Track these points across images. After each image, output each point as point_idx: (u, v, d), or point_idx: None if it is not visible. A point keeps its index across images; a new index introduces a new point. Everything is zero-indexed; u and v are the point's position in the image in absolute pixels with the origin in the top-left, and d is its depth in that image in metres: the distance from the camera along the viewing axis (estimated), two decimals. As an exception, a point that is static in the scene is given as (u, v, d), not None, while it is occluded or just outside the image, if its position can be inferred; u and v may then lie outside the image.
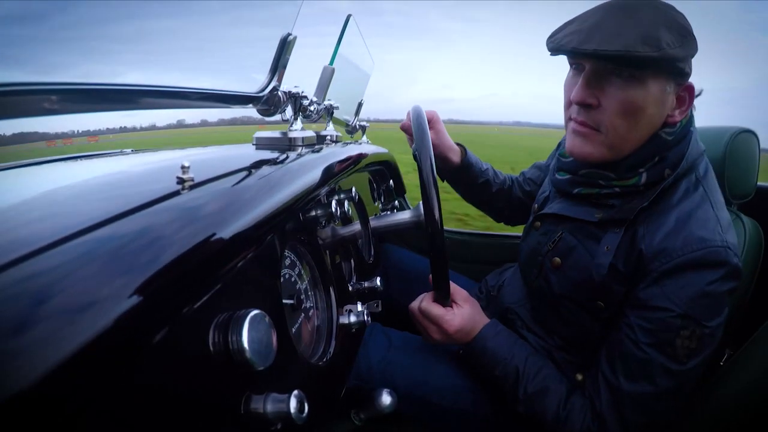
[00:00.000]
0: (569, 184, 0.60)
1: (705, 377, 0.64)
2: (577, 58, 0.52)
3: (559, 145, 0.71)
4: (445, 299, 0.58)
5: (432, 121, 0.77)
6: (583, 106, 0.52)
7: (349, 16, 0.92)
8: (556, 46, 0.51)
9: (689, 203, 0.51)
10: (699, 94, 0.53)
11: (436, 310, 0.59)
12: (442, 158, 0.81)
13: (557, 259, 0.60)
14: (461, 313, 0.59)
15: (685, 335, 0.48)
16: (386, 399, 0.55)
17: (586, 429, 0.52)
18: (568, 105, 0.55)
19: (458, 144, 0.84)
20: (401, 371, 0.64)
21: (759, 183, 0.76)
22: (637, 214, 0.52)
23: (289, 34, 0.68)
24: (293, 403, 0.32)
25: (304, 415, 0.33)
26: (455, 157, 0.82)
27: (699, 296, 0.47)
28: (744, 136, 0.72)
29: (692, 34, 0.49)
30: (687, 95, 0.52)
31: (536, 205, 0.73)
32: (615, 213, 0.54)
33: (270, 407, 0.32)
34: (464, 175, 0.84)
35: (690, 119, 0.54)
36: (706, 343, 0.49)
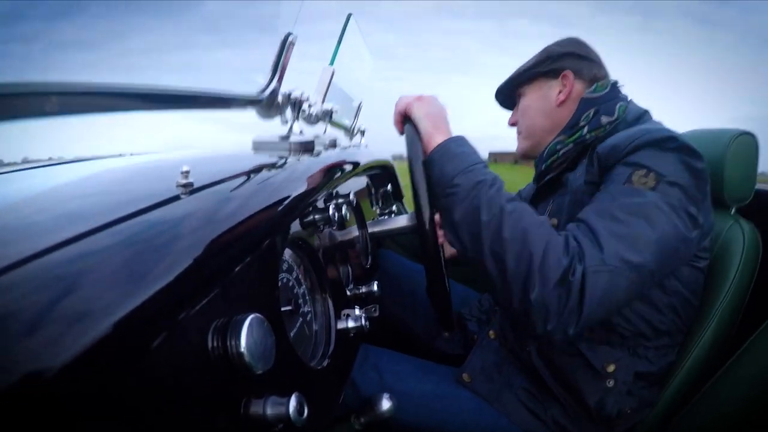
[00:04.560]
0: (540, 164, 0.73)
1: (705, 378, 0.65)
2: (499, 99, 0.83)
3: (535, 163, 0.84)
4: (448, 325, 0.57)
5: None
6: (513, 125, 0.80)
7: (349, 16, 0.91)
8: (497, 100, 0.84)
9: (626, 133, 0.59)
10: (614, 83, 0.69)
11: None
12: None
13: (554, 220, 0.65)
14: None
15: (640, 174, 0.51)
16: (386, 404, 0.55)
17: (563, 236, 0.49)
18: None
19: None
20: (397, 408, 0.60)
21: (757, 186, 0.76)
22: (593, 143, 0.63)
23: (290, 35, 0.68)
24: (293, 406, 0.32)
25: (304, 417, 0.33)
26: None
27: (650, 155, 0.52)
28: (744, 139, 0.71)
29: (545, 49, 0.73)
30: (567, 80, 0.70)
31: None
32: (577, 153, 0.66)
33: (270, 410, 0.32)
34: None
35: (614, 88, 0.68)
36: (667, 190, 0.50)
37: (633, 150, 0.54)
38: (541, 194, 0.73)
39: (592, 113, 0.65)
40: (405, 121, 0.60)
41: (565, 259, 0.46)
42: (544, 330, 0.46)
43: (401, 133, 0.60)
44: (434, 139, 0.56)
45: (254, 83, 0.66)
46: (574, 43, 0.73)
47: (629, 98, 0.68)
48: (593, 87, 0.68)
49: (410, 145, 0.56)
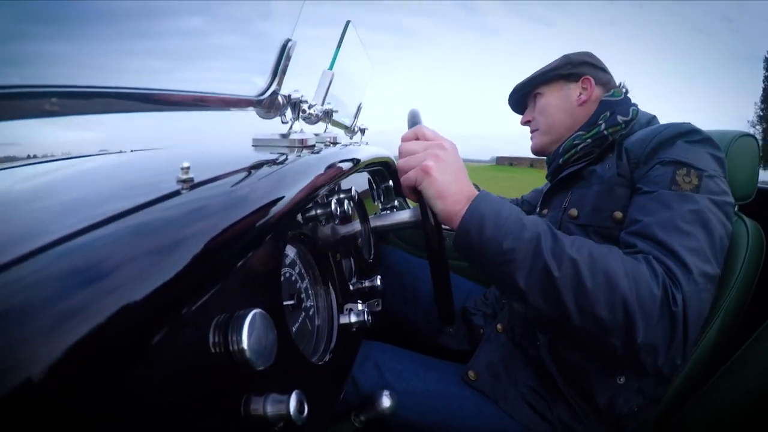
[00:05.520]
0: (556, 159, 0.76)
1: (708, 374, 0.64)
2: (512, 106, 0.90)
3: (547, 159, 0.87)
4: (448, 319, 0.56)
5: None
6: (526, 123, 0.86)
7: (348, 22, 0.93)
8: (509, 104, 0.90)
9: (650, 128, 0.64)
10: (622, 85, 0.78)
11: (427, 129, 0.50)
12: None
13: (574, 210, 0.67)
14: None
15: (682, 173, 0.52)
16: (386, 401, 0.54)
17: (644, 260, 0.46)
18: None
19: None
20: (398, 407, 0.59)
21: (760, 185, 0.76)
22: (619, 141, 0.67)
23: (289, 40, 0.68)
24: (293, 404, 0.32)
25: (304, 415, 0.33)
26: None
27: (683, 150, 0.55)
28: (744, 140, 0.72)
29: (565, 56, 0.80)
30: (588, 84, 0.77)
31: (539, 206, 0.78)
32: (601, 148, 0.69)
33: (270, 408, 0.32)
34: None
35: (627, 96, 0.74)
36: (711, 186, 0.52)
37: (662, 143, 0.57)
38: (558, 187, 0.75)
39: (609, 114, 0.71)
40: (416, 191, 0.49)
41: (657, 288, 0.43)
42: (654, 367, 0.43)
43: (415, 201, 0.51)
44: (456, 214, 0.47)
45: (253, 86, 0.67)
46: (589, 54, 0.81)
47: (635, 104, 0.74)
48: (611, 92, 0.75)
49: None
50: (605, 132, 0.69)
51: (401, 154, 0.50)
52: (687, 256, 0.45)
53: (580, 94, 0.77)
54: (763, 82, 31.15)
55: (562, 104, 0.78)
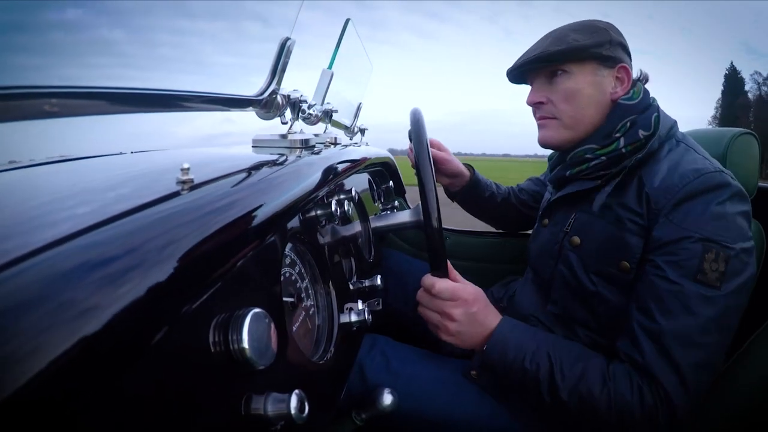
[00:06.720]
0: (563, 170, 0.66)
1: None
2: (514, 73, 0.67)
3: (550, 158, 0.79)
4: (444, 273, 0.56)
5: (440, 149, 0.89)
6: (536, 104, 0.65)
7: (347, 21, 0.93)
8: (508, 72, 0.68)
9: (675, 155, 0.57)
10: (645, 79, 0.64)
11: (446, 282, 0.54)
12: (456, 179, 0.92)
13: (576, 238, 0.62)
14: (470, 286, 0.57)
15: (710, 258, 0.49)
16: (387, 398, 0.54)
17: (637, 391, 0.48)
18: (533, 112, 0.68)
19: (466, 165, 0.94)
20: (401, 393, 0.60)
21: (760, 184, 0.76)
22: (633, 166, 0.58)
23: (288, 38, 0.68)
24: (294, 403, 0.32)
25: (305, 414, 0.33)
26: (466, 175, 0.92)
27: (711, 218, 0.50)
28: (744, 138, 0.72)
29: (602, 28, 0.61)
30: (624, 75, 0.61)
31: (541, 212, 0.76)
32: (612, 172, 0.60)
33: (270, 407, 0.32)
34: (474, 190, 0.93)
35: (646, 92, 0.62)
36: (736, 266, 0.49)
37: (690, 197, 0.51)
38: (560, 204, 0.69)
39: (629, 124, 0.59)
40: None
41: (640, 409, 0.48)
42: None
43: None
44: (476, 347, 0.58)
45: (253, 85, 0.66)
46: (621, 34, 0.63)
47: (656, 101, 0.63)
48: (630, 93, 0.61)
49: (416, 138, 0.54)
50: (623, 150, 0.58)
51: (418, 301, 0.57)
52: (691, 376, 0.48)
53: (615, 86, 0.61)
54: (723, 84, 41.09)
55: (595, 95, 0.61)
